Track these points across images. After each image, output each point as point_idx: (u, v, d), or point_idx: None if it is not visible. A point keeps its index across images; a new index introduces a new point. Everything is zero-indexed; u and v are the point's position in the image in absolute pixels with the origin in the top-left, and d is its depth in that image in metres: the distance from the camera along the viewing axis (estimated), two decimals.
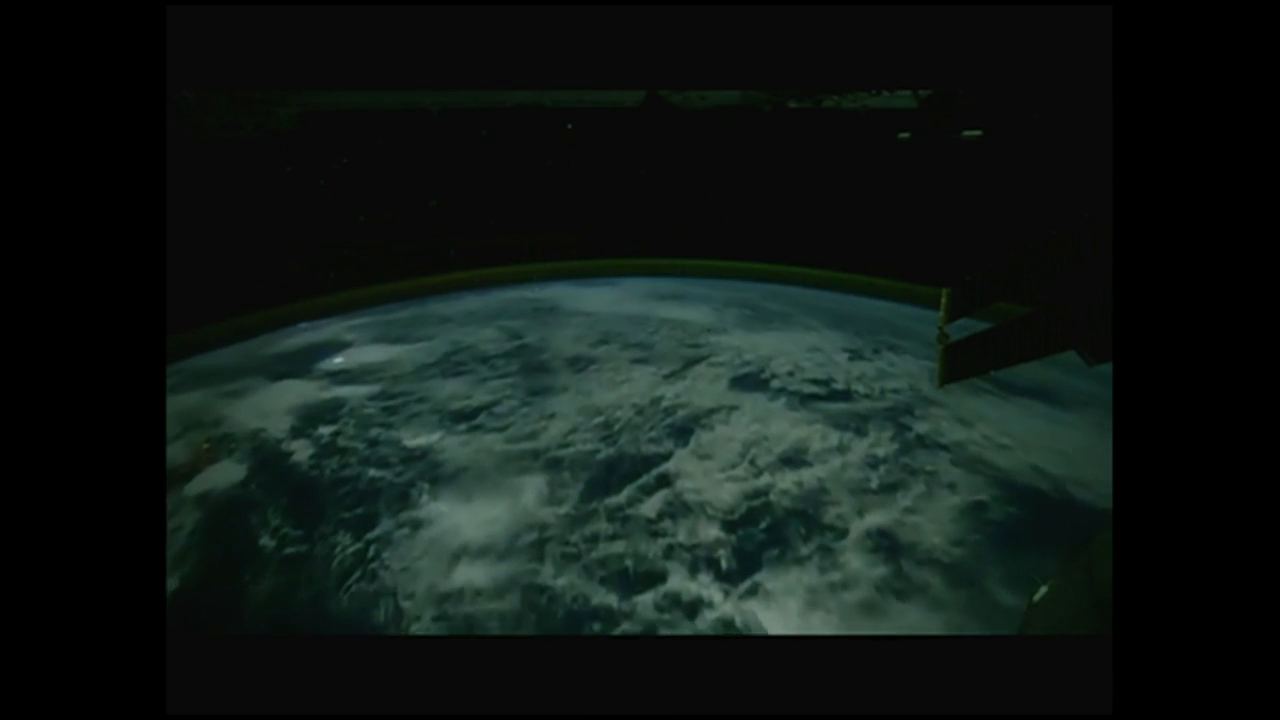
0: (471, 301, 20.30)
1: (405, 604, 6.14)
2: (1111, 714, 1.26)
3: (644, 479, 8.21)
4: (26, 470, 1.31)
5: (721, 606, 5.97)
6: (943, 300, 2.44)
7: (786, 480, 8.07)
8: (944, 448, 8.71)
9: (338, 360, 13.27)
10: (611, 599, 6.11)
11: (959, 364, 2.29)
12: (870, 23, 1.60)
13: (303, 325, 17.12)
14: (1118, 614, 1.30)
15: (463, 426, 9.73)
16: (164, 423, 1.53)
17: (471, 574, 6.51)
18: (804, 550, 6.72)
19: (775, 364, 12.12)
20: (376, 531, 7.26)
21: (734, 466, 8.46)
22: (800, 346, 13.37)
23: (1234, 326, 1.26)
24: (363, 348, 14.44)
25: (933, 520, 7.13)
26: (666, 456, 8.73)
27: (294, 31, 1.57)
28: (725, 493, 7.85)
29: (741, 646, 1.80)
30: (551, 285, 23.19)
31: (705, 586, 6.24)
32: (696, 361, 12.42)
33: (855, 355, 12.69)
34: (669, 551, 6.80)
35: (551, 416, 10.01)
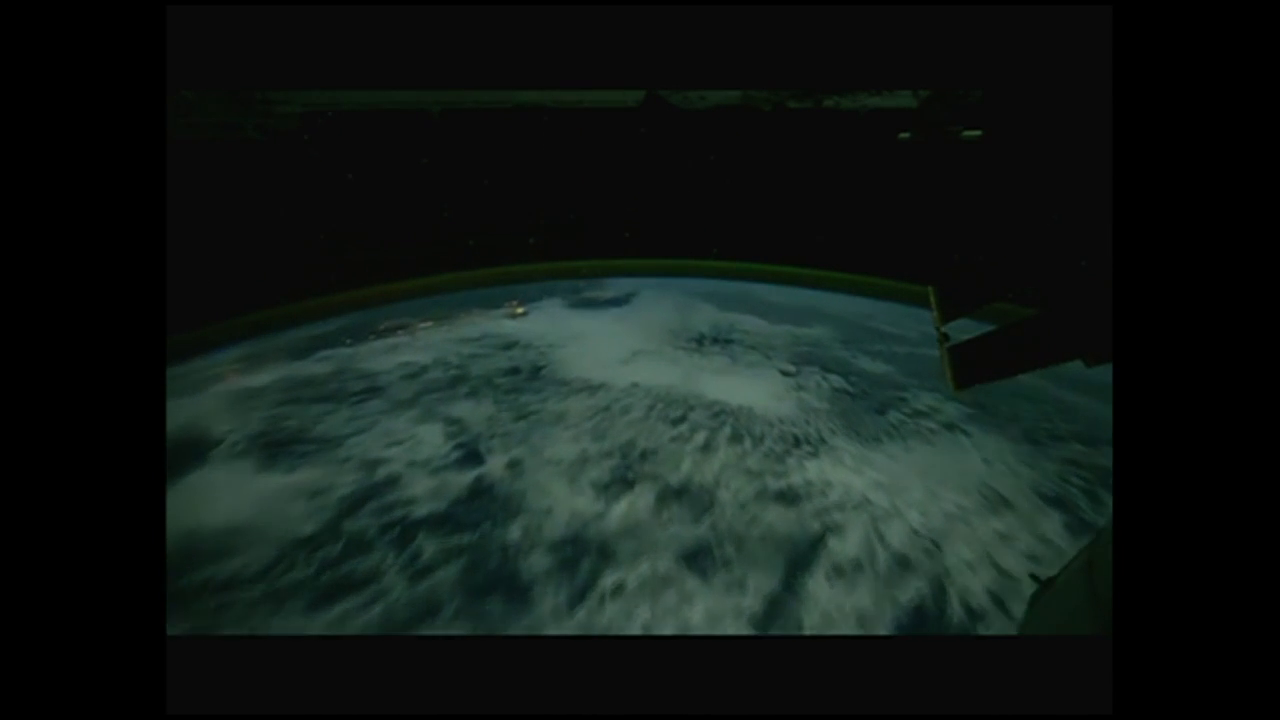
0: (423, 343, 14.21)
1: None
2: (1111, 714, 1.26)
3: None
4: (26, 470, 1.31)
5: None
6: (932, 299, 2.41)
7: None
8: None
9: None
10: None
11: (969, 369, 2.26)
12: (870, 23, 1.60)
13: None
14: (1118, 614, 1.30)
15: None
16: (164, 423, 1.53)
17: None
18: None
19: (955, 563, 6.13)
20: None
21: None
22: (970, 492, 7.39)
23: (1234, 327, 1.26)
24: (221, 465, 8.25)
25: None
26: None
27: (294, 31, 1.57)
28: None
29: (742, 646, 1.80)
30: (544, 302, 17.61)
31: None
32: (805, 559, 6.25)
33: (1072, 520, 6.94)
34: None
35: None
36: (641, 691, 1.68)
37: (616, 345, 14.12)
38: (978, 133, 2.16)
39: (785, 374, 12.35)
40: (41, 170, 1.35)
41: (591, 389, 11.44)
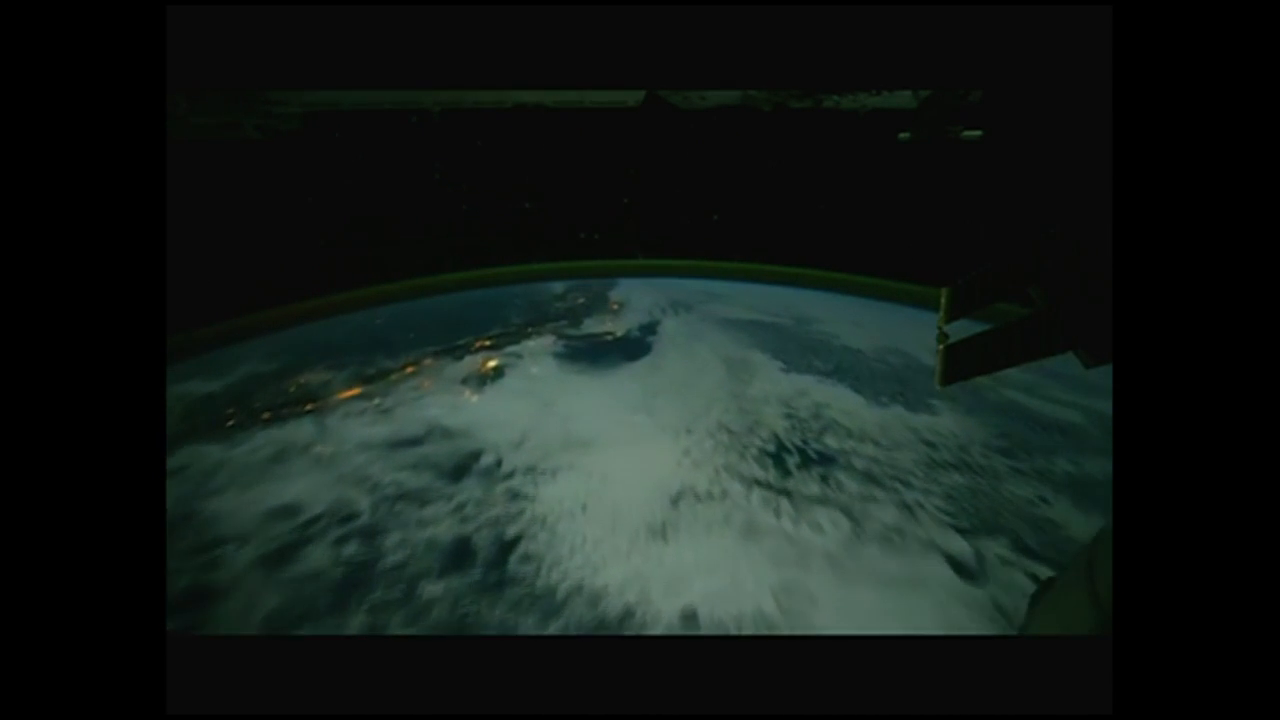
0: (330, 444, 8.43)
1: None
2: (1111, 714, 1.26)
3: None
4: (26, 470, 1.31)
5: None
6: (942, 300, 2.44)
7: None
8: None
9: None
10: None
11: (959, 365, 2.28)
12: (870, 23, 1.60)
13: None
14: (1118, 614, 1.30)
15: None
16: (164, 423, 1.53)
17: None
18: None
19: None
20: None
21: None
22: None
23: (1235, 327, 1.26)
24: None
25: None
26: None
27: (294, 31, 1.57)
28: None
29: (741, 646, 1.80)
30: (529, 345, 11.76)
31: None
32: None
33: None
34: None
35: None
36: (641, 691, 1.68)
37: (643, 472, 7.63)
38: (978, 133, 2.16)
39: (968, 579, 6.21)
40: (42, 170, 1.35)
41: (607, 626, 5.95)
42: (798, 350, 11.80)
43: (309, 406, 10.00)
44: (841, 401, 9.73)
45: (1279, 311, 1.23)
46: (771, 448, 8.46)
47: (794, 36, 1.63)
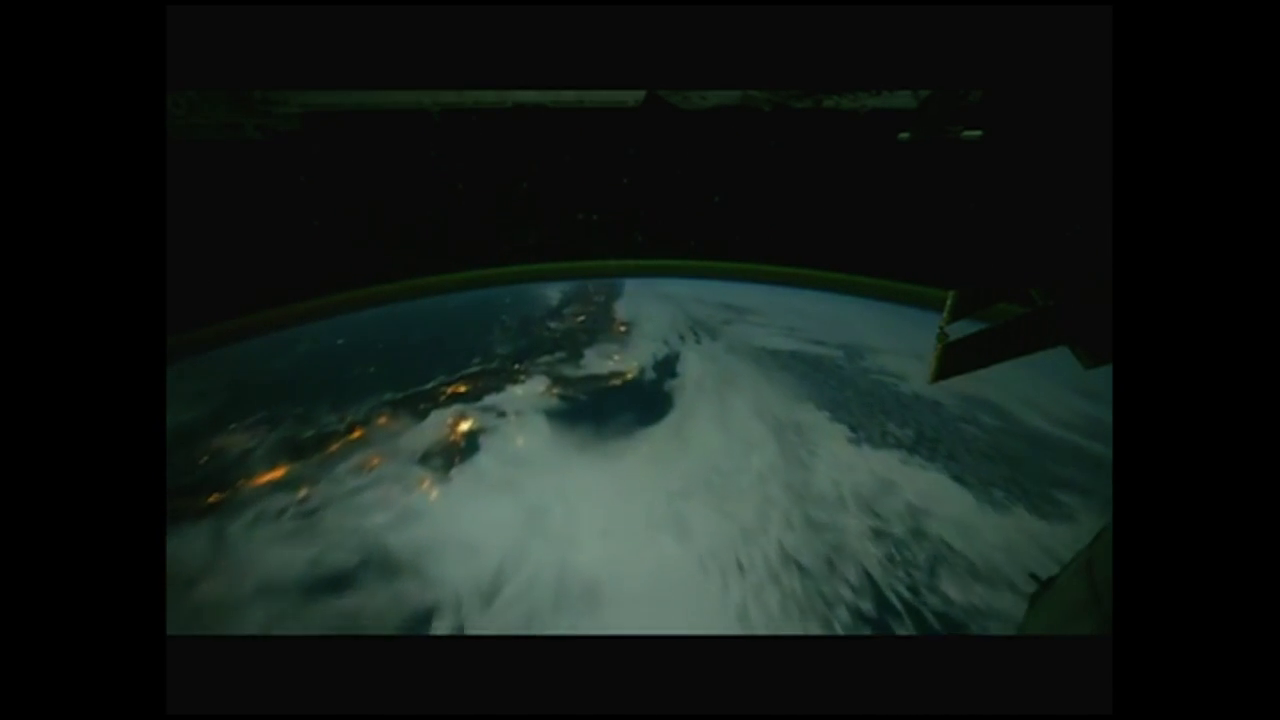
0: (230, 579, 5.81)
1: None
2: (1111, 714, 1.26)
3: None
4: (26, 471, 1.31)
5: None
6: (948, 302, 2.46)
7: None
8: None
9: None
10: None
11: (954, 363, 2.30)
12: (870, 23, 1.60)
13: None
14: (1118, 614, 1.30)
15: None
16: (164, 423, 1.53)
17: None
18: None
19: None
20: None
21: None
22: None
23: (1234, 326, 1.26)
24: None
25: None
26: None
27: (294, 31, 1.57)
28: None
29: (742, 646, 1.80)
30: (514, 393, 9.04)
31: None
32: None
33: None
34: None
35: None
36: (641, 691, 1.68)
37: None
38: (978, 133, 2.17)
39: None
40: (42, 170, 1.35)
41: None
42: (860, 404, 9.12)
43: (212, 499, 7.14)
44: (943, 502, 7.00)
45: (1278, 311, 1.23)
46: (868, 604, 5.57)
47: (794, 36, 1.63)
